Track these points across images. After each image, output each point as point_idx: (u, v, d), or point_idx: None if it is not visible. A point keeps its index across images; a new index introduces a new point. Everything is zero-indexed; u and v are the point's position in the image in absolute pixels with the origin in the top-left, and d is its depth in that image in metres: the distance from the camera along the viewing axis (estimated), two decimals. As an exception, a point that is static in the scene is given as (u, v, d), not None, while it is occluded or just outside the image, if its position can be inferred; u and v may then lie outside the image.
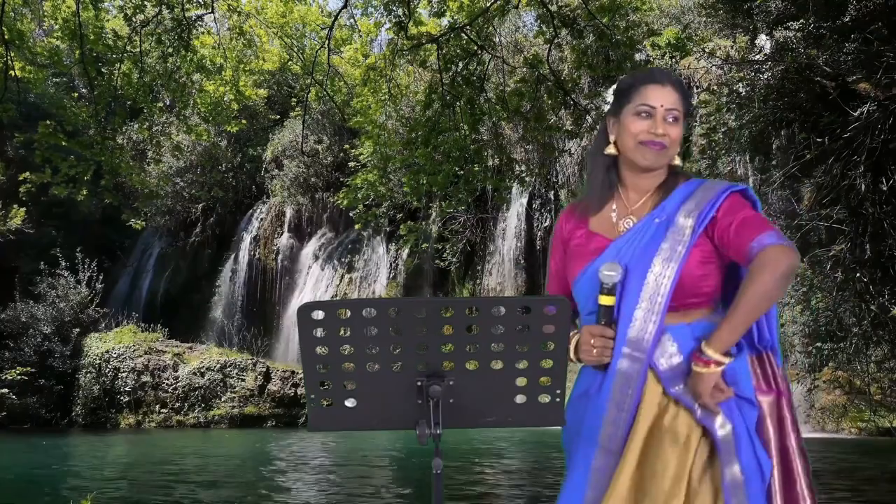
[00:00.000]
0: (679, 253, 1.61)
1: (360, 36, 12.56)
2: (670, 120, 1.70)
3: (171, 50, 9.61)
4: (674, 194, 1.69)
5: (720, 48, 14.27)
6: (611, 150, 1.75)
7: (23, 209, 18.34)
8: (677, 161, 1.75)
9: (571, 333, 1.65)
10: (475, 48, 9.17)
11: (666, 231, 1.64)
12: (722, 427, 1.54)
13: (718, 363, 1.53)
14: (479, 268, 21.59)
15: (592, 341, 1.60)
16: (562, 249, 1.81)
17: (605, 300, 1.60)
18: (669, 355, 1.60)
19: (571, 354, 1.64)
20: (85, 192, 9.94)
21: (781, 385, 1.70)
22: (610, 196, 1.77)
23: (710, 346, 1.53)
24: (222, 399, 17.47)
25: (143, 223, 15.56)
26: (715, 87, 12.39)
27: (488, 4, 9.38)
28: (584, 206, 1.80)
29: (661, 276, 1.60)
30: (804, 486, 1.59)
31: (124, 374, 17.59)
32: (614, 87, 1.87)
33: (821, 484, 7.79)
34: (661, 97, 1.69)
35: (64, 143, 9.35)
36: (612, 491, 1.55)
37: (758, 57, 10.53)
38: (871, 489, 7.58)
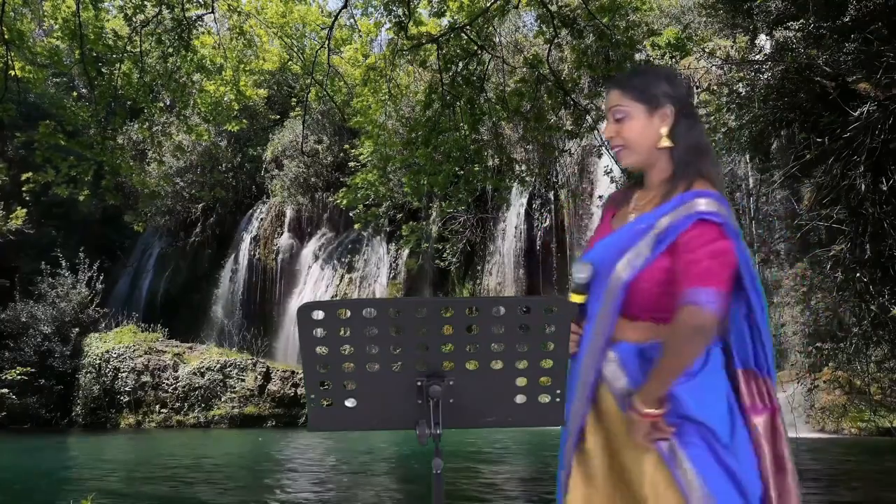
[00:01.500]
0: (637, 264, 1.61)
1: (360, 36, 12.55)
2: (618, 117, 1.70)
3: (171, 50, 9.61)
4: (666, 204, 1.67)
5: (720, 48, 14.26)
6: None
7: (23, 209, 18.35)
8: (665, 143, 1.68)
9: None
10: (475, 48, 9.17)
11: (637, 235, 1.65)
12: (675, 462, 1.55)
13: (649, 416, 1.54)
14: (479, 268, 21.59)
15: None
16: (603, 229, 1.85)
17: (576, 298, 1.66)
18: (615, 376, 1.63)
19: None
20: (86, 193, 9.94)
21: (775, 401, 1.70)
22: (636, 188, 1.80)
23: (639, 399, 1.55)
24: (222, 399, 17.47)
25: (144, 224, 15.58)
26: (715, 87, 12.38)
27: (488, 4, 9.38)
28: (626, 190, 1.86)
29: (617, 279, 1.62)
30: (794, 499, 1.61)
31: (124, 374, 17.59)
32: None
33: (821, 484, 7.79)
34: (607, 101, 1.73)
35: (64, 143, 9.35)
36: (574, 471, 1.66)
37: (758, 57, 10.53)
38: (870, 489, 7.58)
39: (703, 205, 1.59)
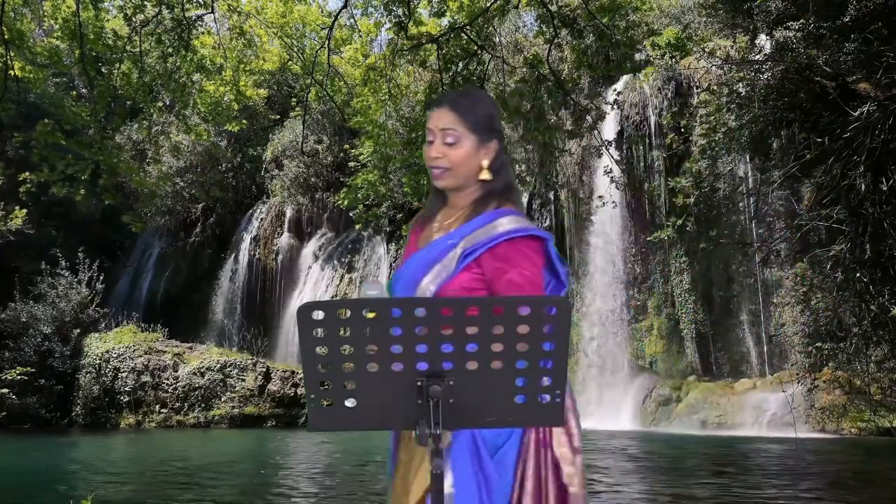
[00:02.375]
0: (441, 277, 1.66)
1: (360, 36, 12.56)
2: (449, 141, 1.71)
3: (171, 50, 9.61)
4: (474, 221, 1.71)
5: (720, 48, 14.26)
6: None
7: (23, 210, 18.35)
8: (484, 175, 1.74)
9: None
10: (475, 48, 9.17)
11: (439, 254, 1.69)
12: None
13: None
14: (479, 268, 21.56)
15: None
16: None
17: (370, 314, 1.68)
18: None
19: None
20: (83, 192, 9.94)
21: (566, 415, 1.73)
22: (440, 207, 1.83)
23: None
24: (222, 399, 17.48)
25: (143, 225, 15.55)
26: (715, 87, 12.38)
27: (488, 4, 9.39)
28: (428, 212, 1.88)
29: (423, 293, 1.66)
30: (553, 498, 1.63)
31: (124, 374, 17.59)
32: None
33: (821, 484, 7.79)
34: (436, 119, 1.73)
35: (63, 143, 9.36)
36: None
37: (758, 57, 10.53)
38: (870, 489, 7.58)
39: (510, 223, 1.66)
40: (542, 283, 1.66)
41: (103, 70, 10.01)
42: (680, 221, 16.16)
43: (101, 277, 19.35)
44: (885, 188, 7.00)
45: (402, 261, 1.81)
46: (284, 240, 24.58)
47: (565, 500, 1.64)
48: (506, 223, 1.67)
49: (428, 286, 1.66)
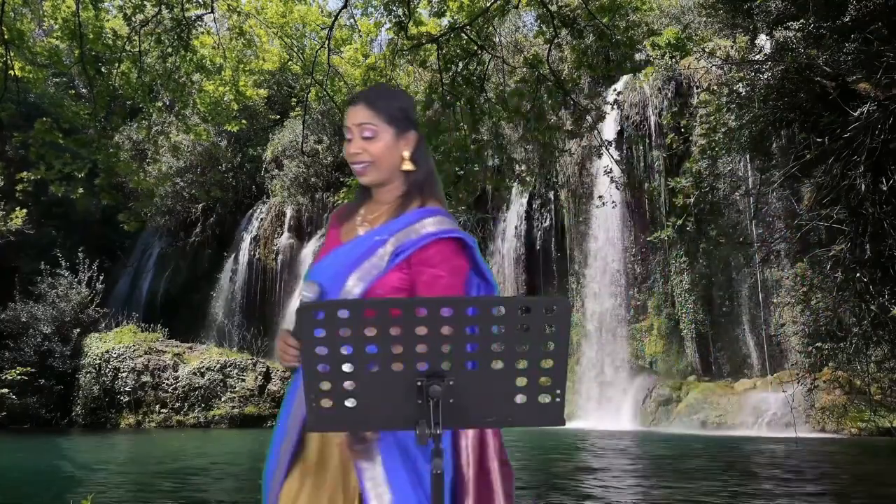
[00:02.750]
0: (372, 275, 1.67)
1: (360, 36, 12.56)
2: (367, 135, 1.74)
3: (170, 50, 9.61)
4: (401, 218, 1.74)
5: (720, 48, 14.27)
6: None
7: (23, 210, 18.35)
8: (407, 166, 1.77)
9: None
10: (475, 48, 9.17)
11: (368, 251, 1.70)
12: (375, 486, 1.58)
13: None
14: (479, 268, 21.56)
15: (278, 343, 1.66)
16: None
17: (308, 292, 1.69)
18: None
19: None
20: (81, 191, 9.94)
21: None
22: (363, 202, 1.84)
23: None
24: (222, 399, 17.48)
25: (137, 224, 15.53)
26: (715, 87, 12.39)
27: (488, 4, 9.38)
28: (349, 207, 1.88)
29: (349, 293, 1.66)
30: (502, 500, 1.67)
31: (124, 374, 17.59)
32: None
33: (821, 484, 7.79)
34: (352, 116, 1.75)
35: (61, 141, 9.35)
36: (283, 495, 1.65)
37: (758, 57, 10.53)
38: (870, 489, 7.58)
39: (437, 223, 1.70)
40: (464, 283, 1.69)
41: (103, 70, 10.01)
42: (680, 221, 16.18)
43: (101, 277, 19.35)
44: (885, 188, 7.00)
45: (321, 254, 1.80)
46: (284, 240, 24.57)
47: (492, 495, 1.67)
48: (433, 223, 1.70)
49: (356, 284, 1.67)
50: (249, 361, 18.14)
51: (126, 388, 17.44)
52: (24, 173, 9.97)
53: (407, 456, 1.60)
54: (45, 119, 9.43)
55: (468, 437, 1.67)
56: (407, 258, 1.67)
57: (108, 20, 10.94)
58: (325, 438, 1.66)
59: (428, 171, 1.81)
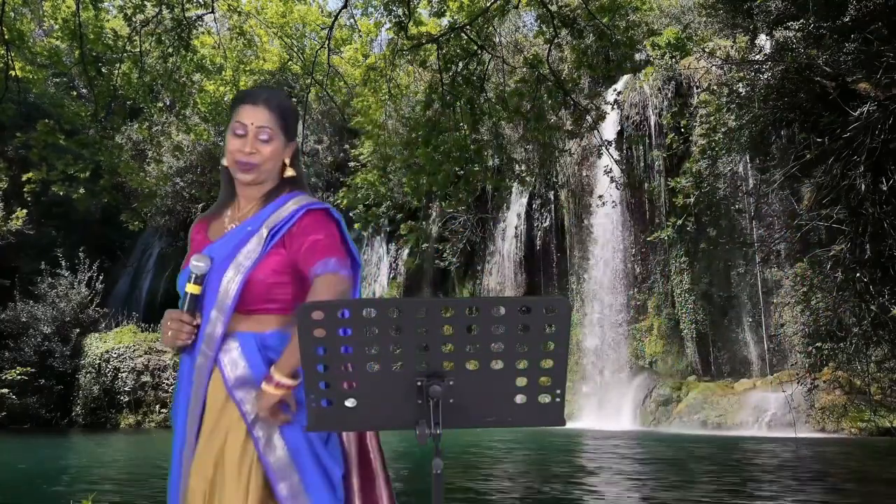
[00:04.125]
0: (251, 260, 1.72)
1: (360, 36, 12.56)
2: (263, 138, 1.78)
3: (171, 50, 9.61)
4: (269, 206, 1.80)
5: (720, 48, 14.26)
6: (225, 162, 1.84)
7: (24, 210, 18.34)
8: (290, 172, 1.84)
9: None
10: (475, 48, 9.17)
11: (245, 236, 1.75)
12: (272, 450, 1.64)
13: (285, 386, 1.62)
14: (479, 268, 21.59)
15: (169, 323, 1.70)
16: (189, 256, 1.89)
17: (192, 289, 1.71)
18: (235, 363, 1.70)
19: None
20: (82, 191, 9.95)
21: None
22: (229, 203, 1.89)
23: (277, 370, 1.63)
24: (222, 399, 17.48)
25: (140, 225, 15.52)
26: (715, 87, 12.39)
27: (488, 4, 9.39)
28: (209, 216, 1.91)
29: (231, 280, 1.70)
30: (382, 482, 1.80)
31: (124, 374, 17.59)
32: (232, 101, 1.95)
33: (821, 484, 7.79)
34: (251, 115, 1.78)
35: (62, 143, 9.36)
36: (185, 490, 1.67)
37: (758, 57, 10.53)
38: (870, 489, 7.58)
39: (303, 199, 1.79)
40: (342, 247, 1.74)
41: (103, 70, 10.01)
42: (680, 221, 16.19)
43: (101, 277, 19.34)
44: (885, 188, 7.01)
45: (188, 259, 1.80)
46: (284, 240, 24.55)
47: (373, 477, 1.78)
48: (298, 201, 1.79)
49: (234, 276, 1.70)
50: (249, 361, 18.14)
51: (126, 388, 17.44)
52: (31, 173, 9.98)
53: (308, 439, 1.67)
54: (46, 121, 9.43)
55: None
56: (282, 238, 1.74)
57: (108, 20, 10.94)
58: (222, 408, 1.69)
59: (301, 176, 1.89)
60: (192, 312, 1.71)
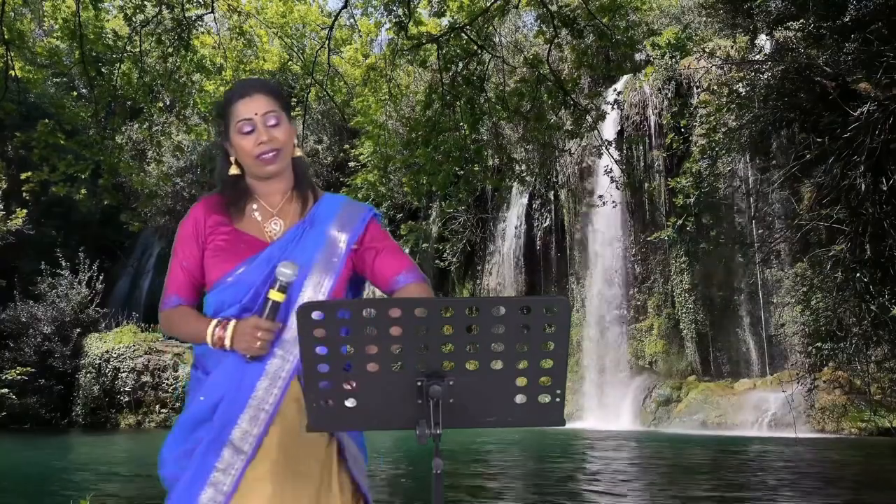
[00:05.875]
0: (335, 264, 1.70)
1: (360, 36, 12.57)
2: (272, 123, 1.74)
3: (171, 50, 9.60)
4: (320, 203, 1.78)
5: (720, 48, 14.27)
6: (234, 170, 1.78)
7: (24, 210, 18.34)
8: (298, 152, 1.82)
9: (219, 320, 1.68)
10: (475, 48, 9.16)
11: (318, 241, 1.71)
12: (353, 460, 1.69)
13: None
14: (479, 268, 21.59)
15: (259, 333, 1.60)
16: (195, 243, 1.81)
17: (277, 296, 1.63)
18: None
19: (211, 340, 1.67)
20: (84, 192, 9.94)
21: None
22: (248, 200, 1.79)
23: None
24: (222, 399, 17.48)
25: (140, 225, 15.53)
26: (715, 87, 12.37)
27: (488, 4, 9.38)
28: (225, 207, 1.79)
29: (318, 285, 1.67)
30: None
31: (124, 374, 17.59)
32: (216, 111, 1.87)
33: (821, 484, 7.79)
34: (252, 107, 1.73)
35: (63, 143, 9.35)
36: (248, 492, 1.58)
37: (758, 57, 10.53)
38: (870, 489, 7.58)
39: (357, 203, 1.83)
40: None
41: (103, 70, 10.01)
42: (680, 221, 16.18)
43: (101, 277, 19.34)
44: (885, 188, 7.00)
45: (242, 252, 1.72)
46: (284, 240, 24.57)
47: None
48: (360, 206, 1.82)
49: (321, 282, 1.68)
50: (249, 361, 18.14)
51: (126, 388, 17.44)
52: (31, 173, 9.97)
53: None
54: (47, 121, 9.43)
55: None
56: (359, 240, 1.75)
57: (108, 20, 10.94)
58: (297, 444, 1.61)
59: (305, 160, 1.88)
60: (273, 320, 1.63)
